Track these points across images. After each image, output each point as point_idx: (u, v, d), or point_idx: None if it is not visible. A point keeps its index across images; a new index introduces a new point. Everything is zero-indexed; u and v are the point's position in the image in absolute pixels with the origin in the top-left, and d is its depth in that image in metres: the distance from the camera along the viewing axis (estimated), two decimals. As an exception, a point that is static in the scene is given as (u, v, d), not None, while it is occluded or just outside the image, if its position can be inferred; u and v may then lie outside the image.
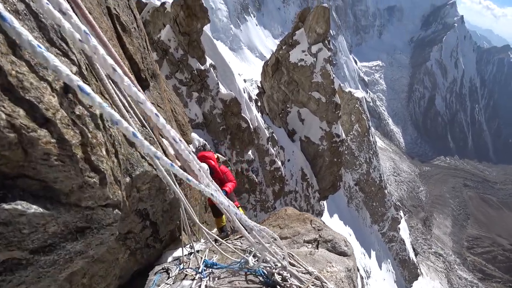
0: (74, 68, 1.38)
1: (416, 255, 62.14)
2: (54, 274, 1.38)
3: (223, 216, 5.17)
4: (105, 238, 1.61)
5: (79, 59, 1.52)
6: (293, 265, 2.42)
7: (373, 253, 47.34)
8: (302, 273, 2.32)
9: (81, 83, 1.11)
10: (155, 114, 1.54)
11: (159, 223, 3.12)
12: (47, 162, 1.11)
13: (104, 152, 1.47)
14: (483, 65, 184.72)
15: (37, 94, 1.09)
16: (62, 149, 1.16)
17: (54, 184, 1.18)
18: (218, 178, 4.69)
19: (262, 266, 2.37)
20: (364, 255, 44.20)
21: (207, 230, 2.89)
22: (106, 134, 1.57)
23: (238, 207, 4.89)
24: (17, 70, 1.04)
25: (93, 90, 1.21)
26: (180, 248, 3.23)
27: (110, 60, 1.32)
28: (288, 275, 2.21)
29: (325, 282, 2.10)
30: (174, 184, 2.16)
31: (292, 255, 2.52)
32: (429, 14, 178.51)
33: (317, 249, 2.91)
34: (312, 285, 2.10)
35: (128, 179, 2.18)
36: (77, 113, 1.29)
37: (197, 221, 2.61)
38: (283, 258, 2.29)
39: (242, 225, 2.13)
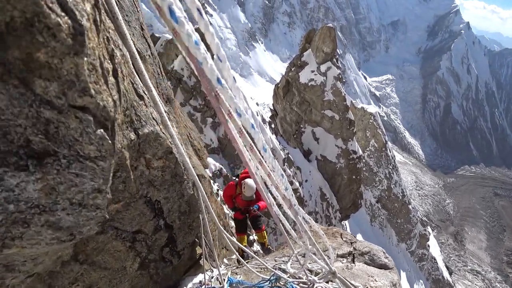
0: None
1: (450, 274, 57.98)
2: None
3: (245, 235, 5.16)
4: (86, 192, 1.03)
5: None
6: (332, 281, 2.21)
7: (403, 274, 44.56)
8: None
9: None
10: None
11: (175, 228, 2.62)
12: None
13: (88, 9, 0.92)
14: (497, 68, 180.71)
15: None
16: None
17: None
18: (257, 197, 4.72)
19: (295, 282, 2.16)
20: (395, 277, 41.70)
21: (231, 239, 2.66)
22: (98, 12, 1.03)
23: (263, 231, 5.22)
24: None
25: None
26: (201, 274, 2.99)
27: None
28: None
29: None
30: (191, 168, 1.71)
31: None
32: (433, 24, 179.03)
33: (353, 263, 2.69)
34: None
35: (133, 135, 1.71)
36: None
37: (221, 228, 2.32)
38: (333, 262, 2.05)
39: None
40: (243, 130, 1.10)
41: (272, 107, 32.45)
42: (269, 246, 5.29)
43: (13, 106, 0.75)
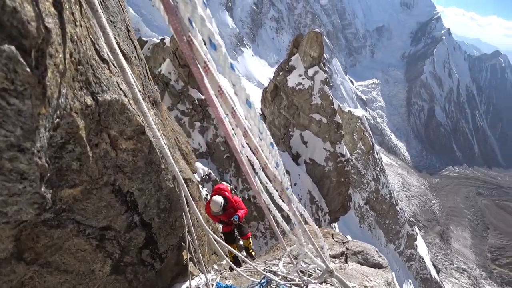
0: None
1: (438, 272, 59.11)
2: None
3: (235, 244, 5.27)
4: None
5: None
6: (326, 282, 2.19)
7: (392, 275, 45.14)
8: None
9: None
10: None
11: (155, 227, 2.26)
12: None
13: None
14: (476, 72, 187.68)
15: None
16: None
17: None
18: (232, 207, 4.85)
19: (288, 285, 2.11)
20: (384, 277, 42.17)
21: (219, 240, 2.52)
22: None
23: (248, 238, 5.26)
24: None
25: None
26: (189, 281, 2.77)
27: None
28: None
29: None
30: (172, 157, 1.44)
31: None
32: (416, 30, 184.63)
33: (346, 263, 2.70)
34: None
35: (89, 100, 1.39)
36: None
37: (204, 225, 2.20)
38: (328, 260, 1.92)
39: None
40: (223, 90, 0.90)
41: (260, 111, 32.60)
42: (252, 252, 5.43)
43: None
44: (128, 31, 2.77)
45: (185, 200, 2.13)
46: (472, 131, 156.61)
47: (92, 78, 1.41)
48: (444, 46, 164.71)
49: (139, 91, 1.47)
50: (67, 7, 1.13)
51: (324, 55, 28.66)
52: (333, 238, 3.30)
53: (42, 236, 1.38)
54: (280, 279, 2.33)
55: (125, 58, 2.67)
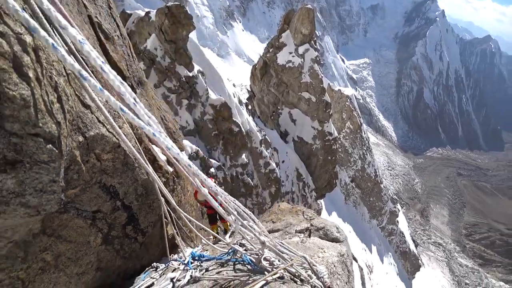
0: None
1: (416, 246, 62.58)
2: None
3: (216, 224, 6.31)
4: (44, 183, 1.56)
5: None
6: (281, 252, 2.45)
7: (374, 248, 47.55)
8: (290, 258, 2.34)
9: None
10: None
11: (135, 209, 2.94)
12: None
13: (32, 75, 1.45)
14: (466, 56, 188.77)
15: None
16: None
17: None
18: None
19: (248, 254, 2.38)
20: (365, 251, 44.36)
21: (189, 217, 2.83)
22: (40, 66, 1.56)
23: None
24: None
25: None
26: (177, 254, 3.17)
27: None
28: (276, 260, 2.24)
29: (314, 265, 2.14)
30: (142, 158, 2.15)
31: (282, 243, 2.56)
32: (411, 10, 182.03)
33: (309, 237, 2.96)
34: (298, 265, 2.14)
35: (81, 138, 2.14)
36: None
37: (176, 205, 2.71)
38: (260, 234, 2.32)
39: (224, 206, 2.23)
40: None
41: (249, 88, 32.27)
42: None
43: None
44: (110, 8, 2.79)
45: (158, 189, 2.76)
46: (457, 114, 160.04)
47: (81, 125, 2.15)
48: (437, 28, 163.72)
49: (111, 117, 2.24)
50: (63, 94, 1.83)
51: (316, 32, 28.20)
52: (303, 215, 3.57)
53: (56, 219, 2.13)
54: (244, 250, 2.61)
55: (107, 38, 2.70)
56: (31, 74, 1.44)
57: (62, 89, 1.83)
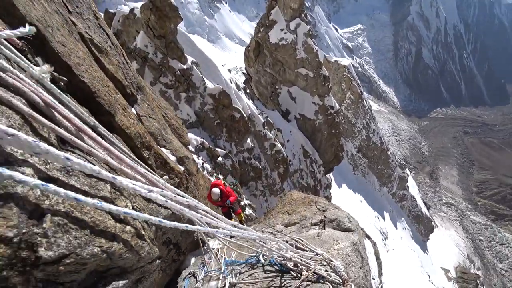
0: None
1: (428, 208, 63.37)
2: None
3: (233, 217, 6.93)
4: (152, 278, 2.19)
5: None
6: (302, 249, 2.62)
7: (386, 215, 48.27)
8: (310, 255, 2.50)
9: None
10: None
11: (180, 242, 3.70)
12: (123, 260, 1.77)
13: (149, 240, 2.10)
14: (464, 9, 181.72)
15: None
16: (131, 251, 1.86)
17: (126, 267, 1.86)
18: (225, 195, 6.54)
19: (275, 257, 2.56)
20: (378, 218, 45.07)
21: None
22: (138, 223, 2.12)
23: (239, 213, 7.04)
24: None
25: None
26: (200, 248, 3.41)
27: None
28: (299, 260, 2.38)
29: (331, 261, 2.27)
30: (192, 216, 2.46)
31: (302, 241, 2.71)
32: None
33: (324, 229, 3.08)
34: (319, 266, 2.26)
35: (153, 228, 2.70)
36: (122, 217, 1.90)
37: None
38: (287, 251, 2.52)
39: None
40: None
41: (245, 71, 31.83)
42: (244, 224, 6.90)
43: None
44: (97, 18, 2.73)
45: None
46: (459, 71, 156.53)
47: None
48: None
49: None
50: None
51: (306, 3, 27.29)
52: (316, 206, 3.69)
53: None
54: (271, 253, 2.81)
55: (101, 52, 2.69)
56: (148, 240, 2.15)
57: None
